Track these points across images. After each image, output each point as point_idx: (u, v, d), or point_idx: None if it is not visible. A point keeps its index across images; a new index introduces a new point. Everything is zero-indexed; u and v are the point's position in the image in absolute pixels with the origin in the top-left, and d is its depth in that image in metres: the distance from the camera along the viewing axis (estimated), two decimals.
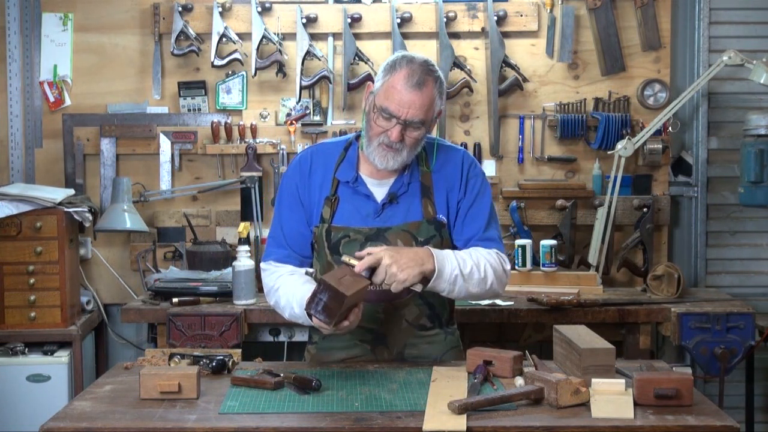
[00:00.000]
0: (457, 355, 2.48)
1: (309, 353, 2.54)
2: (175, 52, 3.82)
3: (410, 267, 2.18)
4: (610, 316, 3.35)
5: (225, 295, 3.43)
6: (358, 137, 2.45)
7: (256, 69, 3.81)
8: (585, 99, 3.86)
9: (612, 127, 3.78)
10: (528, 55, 3.89)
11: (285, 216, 2.46)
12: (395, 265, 2.16)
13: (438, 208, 2.41)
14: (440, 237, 2.40)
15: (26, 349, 3.45)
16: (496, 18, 3.80)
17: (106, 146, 3.87)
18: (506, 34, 3.84)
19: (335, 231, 2.39)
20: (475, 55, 3.89)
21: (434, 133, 2.49)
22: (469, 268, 2.29)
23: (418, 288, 2.22)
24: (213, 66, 3.81)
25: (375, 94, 2.33)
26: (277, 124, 3.90)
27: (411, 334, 2.43)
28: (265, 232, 3.73)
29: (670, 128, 3.79)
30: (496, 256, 2.38)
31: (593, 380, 1.97)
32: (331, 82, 3.85)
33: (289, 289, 2.36)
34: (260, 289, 3.56)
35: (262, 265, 2.49)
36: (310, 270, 2.42)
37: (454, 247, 2.43)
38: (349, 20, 3.80)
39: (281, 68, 3.83)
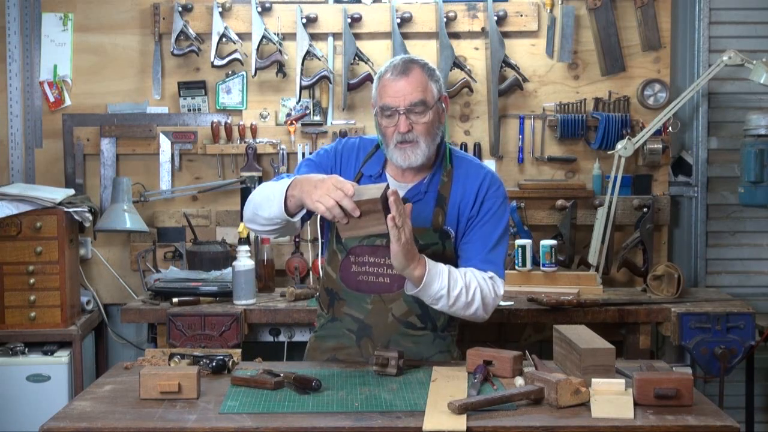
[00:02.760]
0: (446, 359, 2.47)
1: (310, 342, 2.59)
2: (175, 52, 3.82)
3: (409, 249, 2.20)
4: (610, 316, 3.35)
5: (225, 295, 3.43)
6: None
7: (256, 69, 3.81)
8: (585, 99, 3.86)
9: (612, 127, 3.78)
10: (528, 55, 3.89)
11: (302, 172, 2.45)
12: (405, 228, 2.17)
13: (448, 219, 2.42)
14: (442, 246, 2.41)
15: (26, 349, 3.45)
16: (496, 18, 3.80)
17: (106, 146, 3.87)
18: (506, 34, 3.84)
19: None
20: (475, 55, 3.89)
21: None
22: (457, 291, 2.31)
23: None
24: (213, 66, 3.81)
25: (375, 102, 2.40)
26: (277, 124, 3.90)
27: (396, 330, 2.43)
28: None
29: (670, 128, 3.79)
30: (491, 282, 2.39)
31: (593, 380, 1.97)
32: (331, 82, 3.85)
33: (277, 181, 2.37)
34: (260, 289, 3.60)
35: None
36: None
37: (457, 259, 2.44)
38: (349, 20, 3.80)
39: (281, 68, 3.83)
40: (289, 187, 2.26)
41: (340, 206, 2.12)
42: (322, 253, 2.52)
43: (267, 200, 2.32)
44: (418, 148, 2.35)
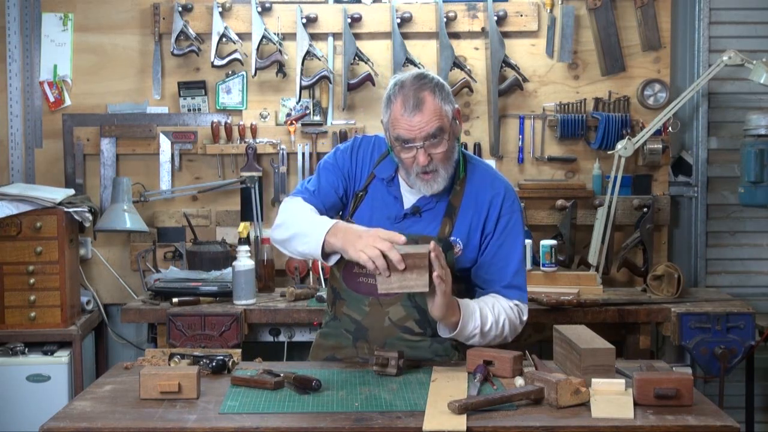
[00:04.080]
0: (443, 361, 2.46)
1: (315, 338, 2.59)
2: (175, 52, 3.82)
3: (450, 299, 2.20)
4: (610, 316, 3.35)
5: (225, 295, 3.43)
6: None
7: (256, 69, 3.81)
8: (585, 99, 3.86)
9: (612, 127, 3.78)
10: (528, 55, 3.89)
11: (322, 178, 2.47)
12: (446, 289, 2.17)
13: (456, 230, 2.39)
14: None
15: (26, 349, 3.45)
16: (496, 18, 3.80)
17: (106, 146, 3.87)
18: (506, 34, 3.84)
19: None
20: (475, 55, 3.89)
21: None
22: (488, 326, 2.31)
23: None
24: (213, 66, 3.81)
25: (387, 129, 2.35)
26: (277, 124, 3.90)
27: (392, 335, 2.41)
28: (265, 232, 3.74)
29: (670, 128, 3.79)
30: (516, 310, 2.39)
31: (593, 380, 1.97)
32: (331, 82, 3.85)
33: (314, 213, 2.37)
34: (260, 289, 3.60)
35: (288, 197, 2.49)
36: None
37: (459, 272, 2.40)
38: (349, 20, 3.80)
39: (281, 68, 3.83)
40: (328, 231, 2.25)
41: (385, 257, 2.10)
42: None
43: (303, 236, 2.32)
44: (440, 176, 2.32)
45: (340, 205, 2.48)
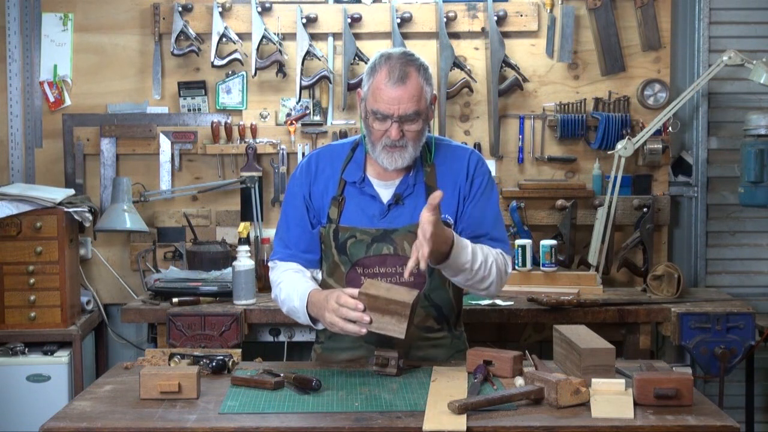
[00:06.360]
0: (463, 359, 2.46)
1: (315, 352, 2.57)
2: (175, 52, 3.82)
3: (439, 237, 2.18)
4: (610, 316, 3.35)
5: (225, 295, 3.43)
6: (365, 137, 2.46)
7: (256, 69, 3.81)
8: (585, 99, 3.86)
9: (612, 127, 3.78)
10: (528, 55, 3.89)
11: (290, 217, 2.49)
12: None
13: (444, 208, 2.37)
14: None
15: (26, 349, 3.45)
16: (496, 18, 3.80)
17: (106, 146, 3.87)
18: (506, 34, 3.84)
19: (342, 231, 2.40)
20: (475, 55, 3.89)
21: (436, 131, 2.48)
22: (477, 265, 2.30)
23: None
24: (213, 66, 3.81)
25: (365, 99, 2.36)
26: (277, 124, 3.90)
27: (417, 337, 2.41)
28: (265, 232, 3.75)
29: (670, 128, 3.79)
30: (502, 258, 2.40)
31: (593, 380, 1.97)
32: (331, 82, 3.85)
33: (291, 284, 2.39)
34: (260, 289, 3.60)
35: (270, 263, 2.54)
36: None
37: None
38: (349, 20, 3.80)
39: (281, 68, 3.83)
40: (307, 307, 2.34)
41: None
42: (317, 266, 2.50)
43: (294, 312, 2.40)
44: (406, 152, 2.33)
45: (317, 224, 2.46)
